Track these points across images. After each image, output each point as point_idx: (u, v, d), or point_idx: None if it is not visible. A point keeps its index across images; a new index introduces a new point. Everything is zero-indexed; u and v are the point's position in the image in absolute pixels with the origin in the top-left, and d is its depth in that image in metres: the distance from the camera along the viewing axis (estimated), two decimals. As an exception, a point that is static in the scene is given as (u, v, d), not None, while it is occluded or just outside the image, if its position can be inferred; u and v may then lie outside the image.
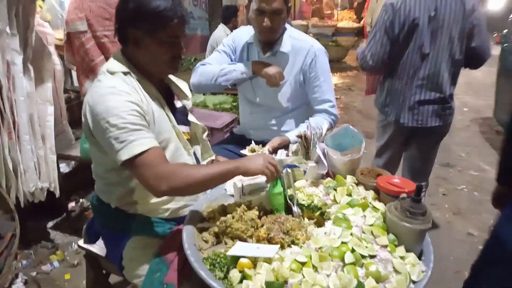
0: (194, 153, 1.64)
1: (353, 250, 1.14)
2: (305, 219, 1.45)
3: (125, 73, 1.37)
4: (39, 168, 2.25)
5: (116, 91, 1.30)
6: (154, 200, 1.46)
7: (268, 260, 1.11)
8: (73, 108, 3.09)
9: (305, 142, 1.55)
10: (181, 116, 1.55)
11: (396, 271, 1.13)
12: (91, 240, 1.63)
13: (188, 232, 1.32)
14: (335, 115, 2.05)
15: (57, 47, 2.67)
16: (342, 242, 1.17)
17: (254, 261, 1.12)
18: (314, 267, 1.09)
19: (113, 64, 1.39)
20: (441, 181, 3.54)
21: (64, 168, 2.71)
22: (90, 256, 1.62)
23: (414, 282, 1.12)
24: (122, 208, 1.46)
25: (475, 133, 4.72)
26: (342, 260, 1.12)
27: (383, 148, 2.49)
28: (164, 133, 1.41)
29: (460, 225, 2.92)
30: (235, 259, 1.14)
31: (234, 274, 1.09)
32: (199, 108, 3.88)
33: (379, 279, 1.09)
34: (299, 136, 1.56)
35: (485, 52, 2.21)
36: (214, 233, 1.38)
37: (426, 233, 1.24)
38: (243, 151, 1.95)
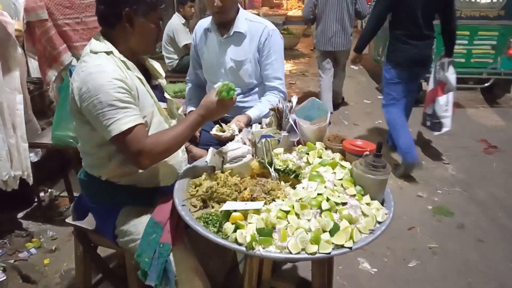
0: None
1: (327, 199, 1.33)
2: (282, 182, 1.63)
3: (107, 53, 1.46)
4: (10, 156, 2.26)
5: (102, 69, 1.39)
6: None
7: (257, 212, 1.28)
8: (34, 98, 3.05)
9: (278, 114, 1.72)
10: (158, 94, 1.66)
11: (364, 214, 1.34)
12: (79, 217, 1.70)
13: (178, 198, 1.46)
14: (284, 92, 2.25)
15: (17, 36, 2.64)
16: (318, 194, 1.35)
17: (245, 214, 1.28)
18: (296, 214, 1.27)
19: (96, 45, 1.48)
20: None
21: (33, 157, 2.70)
22: (79, 232, 1.70)
23: (379, 222, 1.34)
24: (113, 180, 1.56)
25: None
26: (319, 208, 1.30)
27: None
28: (147, 108, 1.52)
29: (410, 189, 3.24)
30: (227, 214, 1.30)
31: (228, 226, 1.25)
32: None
33: (351, 221, 1.28)
34: (273, 109, 1.73)
35: (364, 12, 4.63)
36: (202, 199, 1.52)
37: (386, 184, 1.46)
38: (212, 132, 2.07)
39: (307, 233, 1.21)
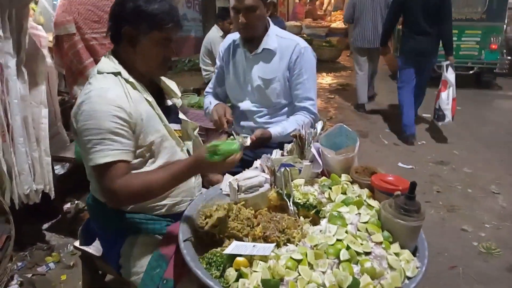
0: (188, 150, 1.65)
1: (348, 248, 1.15)
2: (301, 217, 1.46)
3: (115, 74, 1.38)
4: (33, 170, 2.24)
5: (103, 93, 1.31)
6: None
7: (264, 258, 1.12)
8: (66, 110, 3.07)
9: (300, 142, 1.56)
10: (172, 115, 1.56)
11: (391, 267, 1.14)
12: (87, 241, 1.63)
13: (184, 231, 1.33)
14: (315, 113, 2.06)
15: (51, 49, 2.66)
16: (337, 240, 1.18)
17: (250, 260, 1.13)
18: (309, 264, 1.11)
19: (104, 65, 1.41)
20: (435, 178, 3.57)
21: (59, 170, 2.70)
22: (86, 257, 1.62)
23: (409, 278, 1.14)
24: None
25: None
26: (338, 257, 1.13)
27: None
28: (154, 133, 1.42)
29: (454, 222, 2.94)
30: (231, 257, 1.15)
31: (231, 273, 1.10)
32: (194, 109, 3.88)
33: (374, 275, 1.10)
34: (294, 136, 1.57)
35: None
36: (210, 233, 1.39)
37: (421, 230, 1.25)
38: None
39: (319, 290, 1.04)
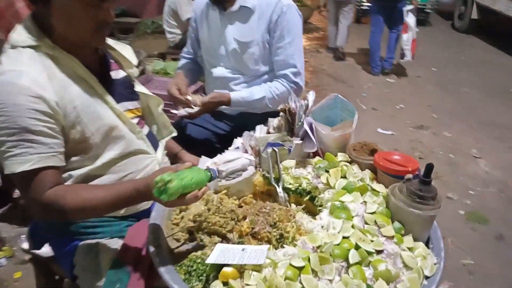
0: (151, 134, 1.37)
1: (357, 247, 0.95)
2: (292, 205, 1.26)
3: (33, 47, 1.05)
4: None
5: (14, 79, 0.99)
6: None
7: (258, 267, 0.91)
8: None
9: (290, 116, 1.32)
10: (124, 90, 1.26)
11: (406, 266, 0.96)
12: (36, 245, 1.35)
13: (154, 232, 1.10)
14: (296, 83, 1.79)
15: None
16: (344, 237, 0.98)
17: (240, 269, 0.91)
18: (313, 271, 0.90)
19: (19, 36, 1.06)
20: (417, 144, 3.46)
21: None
22: (38, 261, 1.36)
23: (427, 277, 0.97)
24: None
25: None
26: (346, 259, 0.93)
27: None
28: (96, 121, 1.12)
29: (439, 190, 2.83)
30: (216, 265, 0.93)
31: (217, 287, 0.88)
32: (159, 76, 3.52)
33: (389, 279, 0.91)
34: (282, 110, 1.33)
35: None
36: (187, 230, 1.16)
37: (435, 219, 1.07)
38: (180, 113, 1.74)
39: (329, 304, 0.85)
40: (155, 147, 1.37)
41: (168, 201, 0.93)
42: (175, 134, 1.49)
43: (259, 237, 1.08)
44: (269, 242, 1.08)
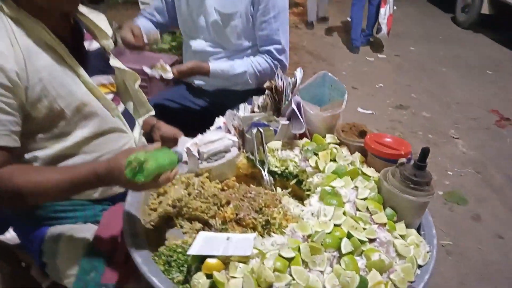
0: (126, 112, 1.27)
1: (349, 235, 0.90)
2: (277, 188, 1.19)
3: None
4: None
5: None
6: None
7: (244, 258, 0.84)
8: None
9: (276, 95, 1.24)
10: (98, 63, 1.15)
11: (399, 255, 0.92)
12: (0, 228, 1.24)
13: (130, 218, 1.01)
14: (280, 61, 1.70)
15: None
16: (335, 225, 0.92)
17: (226, 259, 0.84)
18: (304, 262, 0.84)
19: None
20: (396, 124, 3.45)
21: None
22: (1, 248, 1.25)
23: (420, 266, 0.93)
24: None
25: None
26: (338, 249, 0.88)
27: None
28: (66, 97, 1.01)
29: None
30: (199, 257, 0.86)
31: (200, 281, 0.81)
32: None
33: (382, 269, 0.87)
34: (268, 88, 1.24)
35: None
36: (166, 215, 1.08)
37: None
38: (146, 69, 1.62)
39: (320, 298, 0.79)
40: (132, 126, 1.26)
41: (142, 183, 0.83)
42: (152, 113, 1.38)
43: (243, 223, 1.01)
44: (254, 229, 1.01)
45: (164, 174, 0.89)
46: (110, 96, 1.18)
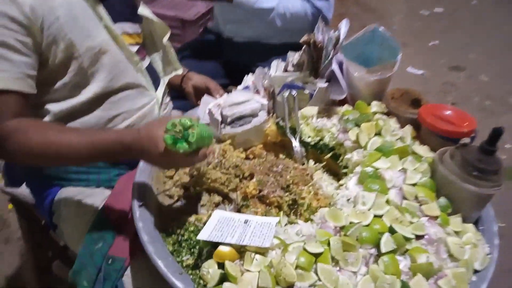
0: (151, 68, 1.14)
1: (391, 230, 0.74)
2: (309, 161, 1.04)
3: None
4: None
5: None
6: None
7: (263, 251, 0.71)
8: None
9: (314, 51, 1.05)
10: (124, 8, 1.01)
11: (451, 256, 0.76)
12: (13, 182, 1.18)
13: (140, 187, 0.90)
14: (320, 9, 1.46)
15: None
16: (375, 216, 0.76)
17: (241, 248, 0.71)
18: (334, 260, 0.70)
19: None
20: (449, 87, 3.13)
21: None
22: (18, 203, 1.20)
23: (476, 271, 0.76)
24: None
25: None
26: (376, 246, 0.73)
27: None
28: (85, 41, 0.90)
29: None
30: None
31: (210, 270, 0.70)
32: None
33: (429, 273, 0.71)
34: (305, 42, 1.05)
35: None
36: (182, 185, 0.96)
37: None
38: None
39: (351, 305, 0.66)
40: (156, 84, 1.14)
41: (180, 155, 0.71)
42: (180, 71, 1.25)
43: (267, 201, 0.88)
44: (279, 208, 0.88)
45: (202, 149, 0.77)
46: (135, 48, 1.05)
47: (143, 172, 0.93)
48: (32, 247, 1.28)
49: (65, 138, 0.81)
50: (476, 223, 0.87)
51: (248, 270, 0.69)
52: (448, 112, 0.94)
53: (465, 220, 0.83)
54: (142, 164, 0.95)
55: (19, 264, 1.55)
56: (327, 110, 1.05)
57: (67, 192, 1.03)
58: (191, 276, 0.72)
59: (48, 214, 1.06)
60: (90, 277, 0.90)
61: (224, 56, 1.66)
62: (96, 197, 1.03)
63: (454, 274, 0.72)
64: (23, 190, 1.18)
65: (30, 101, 0.87)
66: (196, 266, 0.74)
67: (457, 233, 0.80)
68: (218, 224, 0.76)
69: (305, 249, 0.70)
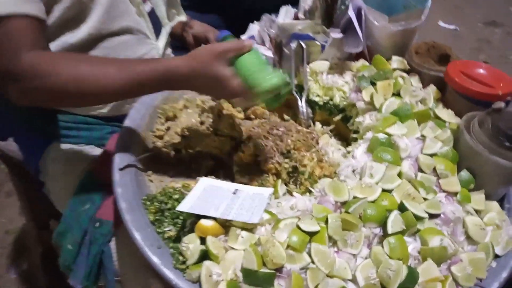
0: (153, 13, 1.02)
1: (402, 207, 0.64)
2: (316, 124, 0.93)
3: None
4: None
5: None
6: None
7: (250, 226, 0.62)
8: None
9: (329, -4, 0.90)
10: None
11: (469, 238, 0.66)
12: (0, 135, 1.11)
13: (125, 145, 0.81)
14: None
15: None
16: (383, 191, 0.66)
17: (226, 222, 0.63)
18: (330, 239, 0.61)
19: None
20: (484, 44, 2.88)
21: None
22: (7, 158, 1.14)
23: (497, 256, 0.66)
24: None
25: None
26: (383, 225, 0.63)
27: None
28: None
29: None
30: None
31: (190, 246, 0.62)
32: None
33: (442, 258, 0.62)
34: (318, -16, 0.91)
35: None
36: (173, 146, 0.87)
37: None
38: None
39: (348, 292, 0.57)
40: (157, 32, 1.03)
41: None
42: (184, 18, 1.12)
43: (264, 168, 0.79)
44: (277, 175, 0.79)
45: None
46: None
47: (129, 130, 0.85)
48: (26, 205, 1.24)
49: (103, 70, 0.70)
50: (501, 201, 0.76)
51: (232, 248, 0.60)
52: (481, 71, 0.80)
53: (488, 197, 0.72)
54: (128, 121, 0.86)
55: (20, 218, 1.54)
56: (339, 65, 0.92)
57: (55, 148, 0.96)
58: (171, 250, 0.65)
59: (35, 170, 0.99)
60: (75, 240, 0.84)
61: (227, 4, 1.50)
62: (86, 156, 0.95)
63: (471, 260, 0.63)
64: (11, 145, 1.12)
65: (44, 31, 0.74)
66: (178, 239, 0.67)
67: (478, 212, 0.69)
68: (203, 194, 0.67)
69: (298, 227, 0.60)
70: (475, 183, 0.71)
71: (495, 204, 0.71)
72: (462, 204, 0.68)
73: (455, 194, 0.69)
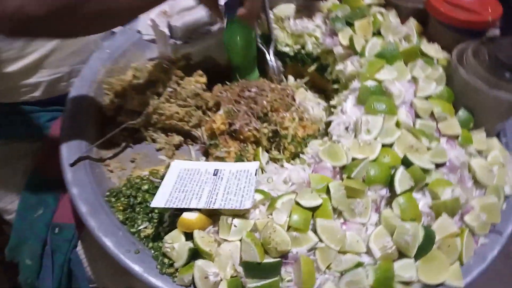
0: None
1: (406, 161, 0.57)
2: (289, 77, 0.83)
3: None
4: None
5: None
6: (8, 67, 0.74)
7: (241, 212, 0.53)
8: None
9: None
10: None
11: (477, 183, 0.61)
12: None
13: (72, 137, 0.68)
14: None
15: None
16: (383, 146, 0.58)
17: (212, 211, 0.53)
18: (335, 211, 0.53)
19: None
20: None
21: None
22: None
23: (507, 197, 0.62)
24: None
25: None
26: (389, 184, 0.55)
27: None
28: None
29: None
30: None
31: (175, 245, 0.52)
32: None
33: (455, 210, 0.56)
34: None
35: None
36: (130, 127, 0.75)
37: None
38: None
39: (364, 268, 0.50)
40: None
41: None
42: None
43: (241, 137, 0.68)
44: (257, 143, 0.69)
45: None
46: None
47: (73, 114, 0.71)
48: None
49: None
50: (496, 136, 0.71)
51: (225, 240, 0.51)
52: (464, -4, 0.72)
53: (487, 135, 0.66)
54: (70, 103, 0.71)
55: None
56: (307, 7, 0.81)
57: None
58: (152, 252, 0.55)
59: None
60: (33, 253, 0.72)
61: None
62: (26, 152, 0.80)
63: (482, 206, 0.58)
64: None
65: None
66: (158, 236, 0.56)
67: (480, 153, 0.64)
68: (179, 181, 0.56)
69: (297, 203, 0.52)
70: (475, 119, 0.65)
71: (495, 141, 0.66)
72: (464, 147, 0.62)
73: (456, 137, 0.62)
